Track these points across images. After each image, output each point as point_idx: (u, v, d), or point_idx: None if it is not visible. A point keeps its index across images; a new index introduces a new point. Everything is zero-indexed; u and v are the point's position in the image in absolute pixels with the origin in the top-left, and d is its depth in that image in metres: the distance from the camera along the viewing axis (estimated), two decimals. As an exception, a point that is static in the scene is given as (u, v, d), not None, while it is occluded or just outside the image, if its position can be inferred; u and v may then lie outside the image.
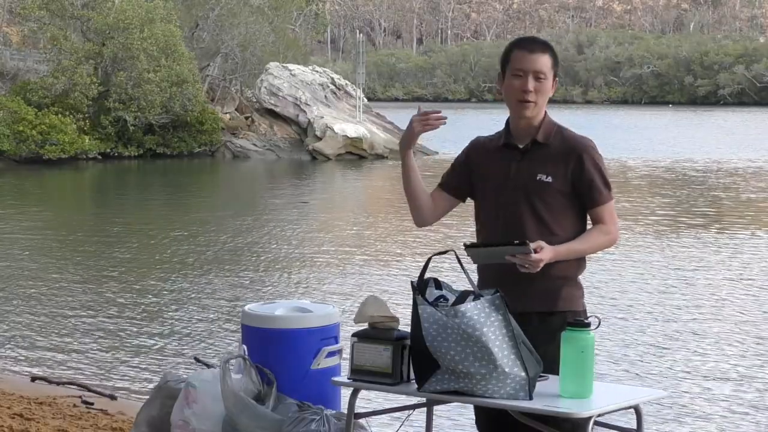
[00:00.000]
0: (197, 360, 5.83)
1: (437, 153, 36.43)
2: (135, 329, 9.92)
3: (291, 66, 38.18)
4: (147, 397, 5.30)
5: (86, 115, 33.35)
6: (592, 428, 3.58)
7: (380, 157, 34.95)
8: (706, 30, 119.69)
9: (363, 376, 3.88)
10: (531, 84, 3.95)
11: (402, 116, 46.10)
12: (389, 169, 32.20)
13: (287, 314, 4.90)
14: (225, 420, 4.69)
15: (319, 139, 35.10)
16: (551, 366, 3.73)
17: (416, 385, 3.75)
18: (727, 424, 7.16)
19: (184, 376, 5.11)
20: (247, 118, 37.75)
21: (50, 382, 7.88)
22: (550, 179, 3.94)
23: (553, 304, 3.94)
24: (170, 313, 10.62)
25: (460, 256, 3.84)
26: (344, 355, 4.61)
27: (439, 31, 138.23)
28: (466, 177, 4.12)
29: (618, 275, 12.41)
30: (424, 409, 4.14)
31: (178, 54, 34.81)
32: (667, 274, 12.90)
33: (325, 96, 36.99)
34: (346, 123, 35.40)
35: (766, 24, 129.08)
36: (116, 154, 33.77)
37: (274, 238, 16.36)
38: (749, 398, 7.74)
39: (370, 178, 29.93)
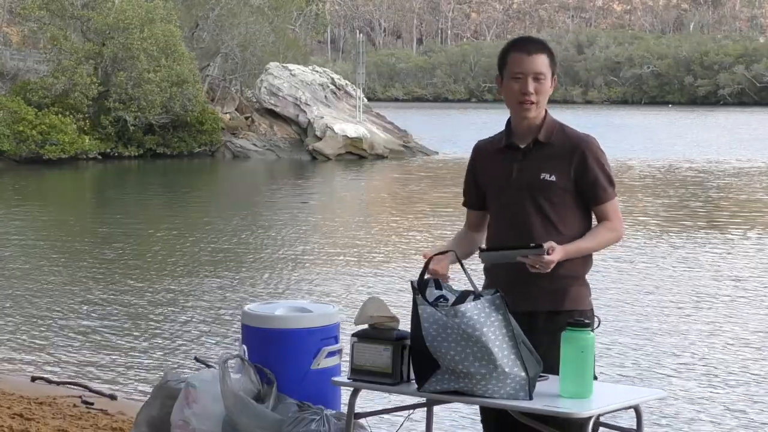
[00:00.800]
0: (197, 360, 5.84)
1: (437, 153, 36.47)
2: (135, 329, 9.92)
3: (291, 66, 38.19)
4: (147, 397, 5.30)
5: (86, 115, 33.35)
6: (592, 428, 3.58)
7: (380, 157, 34.95)
8: (706, 30, 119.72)
9: (363, 376, 3.88)
10: (531, 86, 3.94)
11: (402, 116, 46.17)
12: (389, 169, 32.21)
13: (287, 314, 4.90)
14: (225, 420, 4.69)
15: (319, 139, 35.10)
16: (557, 366, 3.72)
17: (416, 385, 3.75)
18: (727, 423, 7.16)
19: (184, 376, 5.11)
20: (247, 118, 37.75)
21: (50, 382, 7.88)
22: (553, 178, 3.94)
23: (560, 304, 3.94)
24: (170, 313, 10.62)
25: (460, 256, 3.84)
26: (344, 356, 4.61)
27: (439, 31, 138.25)
28: (477, 186, 4.13)
29: (616, 275, 12.44)
30: (424, 409, 4.15)
31: (178, 54, 34.82)
32: (664, 274, 12.91)
33: (325, 96, 37.00)
34: (346, 123, 35.40)
35: (766, 24, 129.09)
36: (116, 154, 33.77)
37: (273, 238, 16.36)
38: (749, 398, 7.74)
39: (370, 179, 29.92)
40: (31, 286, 12.10)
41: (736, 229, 17.16)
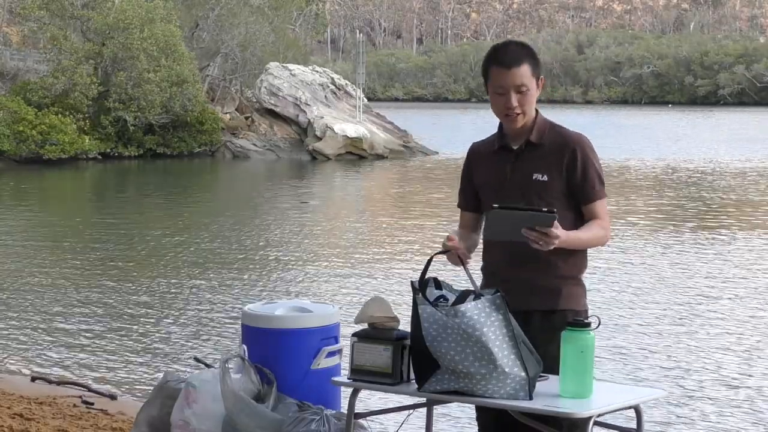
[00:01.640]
0: (197, 360, 5.84)
1: (437, 153, 36.46)
2: (135, 329, 9.92)
3: (291, 66, 38.19)
4: (147, 397, 5.30)
5: (86, 115, 33.35)
6: (592, 428, 3.58)
7: (380, 157, 34.95)
8: (706, 30, 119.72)
9: (363, 376, 3.88)
10: (514, 99, 3.93)
11: (402, 116, 46.17)
12: (389, 169, 32.21)
13: (287, 314, 4.90)
14: (225, 420, 4.69)
15: (319, 139, 35.10)
16: (552, 365, 3.73)
17: (416, 385, 3.75)
18: (726, 423, 7.16)
19: (184, 376, 5.11)
20: (247, 118, 37.75)
21: (50, 382, 7.87)
22: (546, 178, 3.94)
23: (555, 303, 3.94)
24: (170, 313, 10.62)
25: (462, 256, 3.83)
26: (344, 356, 4.61)
27: (439, 31, 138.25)
28: (473, 187, 4.13)
29: (612, 274, 12.44)
30: (424, 409, 4.15)
31: (178, 54, 34.82)
32: (664, 273, 12.92)
33: (325, 96, 36.99)
34: (346, 123, 35.40)
35: (766, 24, 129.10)
36: (116, 154, 33.77)
37: (273, 238, 16.36)
38: (748, 397, 7.74)
39: (370, 179, 29.93)
40: (31, 285, 12.10)
41: (736, 229, 17.17)
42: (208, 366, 5.19)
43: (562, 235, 3.74)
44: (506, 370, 3.59)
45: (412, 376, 3.77)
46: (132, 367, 8.59)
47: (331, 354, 4.84)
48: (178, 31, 35.72)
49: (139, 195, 25.04)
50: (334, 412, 4.62)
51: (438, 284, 3.79)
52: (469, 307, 3.61)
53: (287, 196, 23.94)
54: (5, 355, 8.90)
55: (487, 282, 3.98)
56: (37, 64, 36.51)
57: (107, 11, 34.99)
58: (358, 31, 79.68)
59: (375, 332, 3.89)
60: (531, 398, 3.61)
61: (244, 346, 4.86)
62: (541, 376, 3.69)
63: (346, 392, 4.39)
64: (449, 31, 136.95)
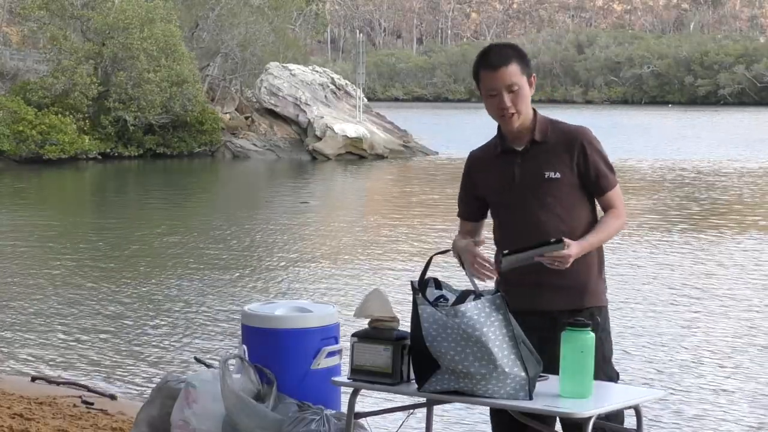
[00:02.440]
0: (197, 360, 5.84)
1: (437, 153, 36.45)
2: (135, 329, 9.92)
3: (291, 66, 38.18)
4: (147, 397, 5.30)
5: (86, 115, 33.35)
6: (592, 428, 3.58)
7: (380, 157, 34.95)
8: (706, 30, 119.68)
9: (363, 376, 3.88)
10: (507, 99, 3.96)
11: (402, 116, 46.16)
12: (389, 169, 32.21)
13: (287, 314, 4.91)
14: (225, 420, 4.69)
15: (319, 139, 35.10)
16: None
17: (416, 385, 3.75)
18: (727, 423, 7.16)
19: (184, 376, 5.11)
20: (247, 118, 37.75)
21: (50, 382, 7.87)
22: (558, 175, 3.96)
23: (580, 301, 3.96)
24: (170, 313, 10.62)
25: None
26: (344, 356, 4.61)
27: (439, 31, 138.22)
28: (475, 196, 4.13)
29: (612, 274, 12.44)
30: (424, 409, 4.15)
31: (178, 54, 34.81)
32: (659, 273, 12.92)
33: (325, 96, 36.99)
34: (346, 123, 35.39)
35: (766, 24, 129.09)
36: (116, 154, 33.76)
37: (273, 238, 16.36)
38: (747, 398, 7.74)
39: (370, 179, 29.92)
40: (32, 284, 12.10)
41: (736, 228, 17.17)
42: (208, 366, 5.19)
43: (575, 251, 3.79)
44: (506, 370, 3.59)
45: (412, 376, 3.78)
46: (132, 367, 8.59)
47: (331, 354, 4.84)
48: (178, 31, 35.71)
49: (140, 195, 25.03)
50: (334, 412, 4.62)
51: (438, 284, 3.80)
52: (469, 307, 3.62)
53: (287, 196, 23.94)
54: (5, 356, 8.90)
55: (506, 283, 3.91)
56: (37, 64, 36.50)
57: (107, 11, 34.98)
58: (358, 31, 79.73)
59: (375, 332, 3.90)
60: (531, 398, 3.61)
61: (244, 346, 4.86)
62: (541, 376, 3.70)
63: (346, 392, 4.39)
64: (449, 31, 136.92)
